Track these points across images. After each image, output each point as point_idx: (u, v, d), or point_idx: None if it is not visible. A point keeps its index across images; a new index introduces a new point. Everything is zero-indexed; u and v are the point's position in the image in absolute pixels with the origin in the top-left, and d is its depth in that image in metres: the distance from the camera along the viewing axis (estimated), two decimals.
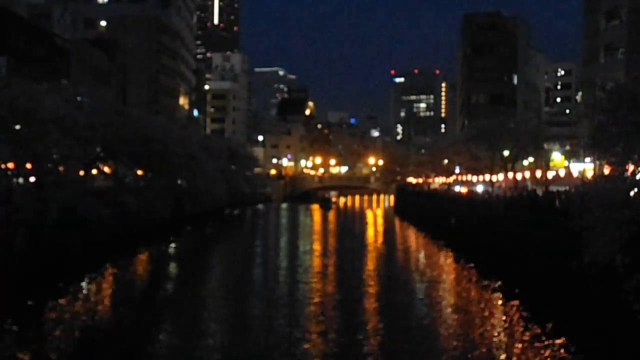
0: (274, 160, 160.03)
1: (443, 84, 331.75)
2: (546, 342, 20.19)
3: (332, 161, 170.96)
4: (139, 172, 44.46)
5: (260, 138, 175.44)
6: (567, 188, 39.54)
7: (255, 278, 35.00)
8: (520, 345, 20.31)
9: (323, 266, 37.32)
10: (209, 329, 22.66)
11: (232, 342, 20.89)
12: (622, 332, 18.40)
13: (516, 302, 25.97)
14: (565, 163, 66.70)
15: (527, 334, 21.53)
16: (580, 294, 21.77)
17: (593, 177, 26.31)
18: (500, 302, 27.11)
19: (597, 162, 30.24)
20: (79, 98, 42.90)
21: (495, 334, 21.95)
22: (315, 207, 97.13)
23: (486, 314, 25.16)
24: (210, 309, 26.15)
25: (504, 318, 24.50)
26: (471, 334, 21.45)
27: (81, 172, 35.09)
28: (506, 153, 55.03)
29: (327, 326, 22.11)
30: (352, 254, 43.53)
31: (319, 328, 21.81)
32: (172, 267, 39.13)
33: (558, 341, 20.06)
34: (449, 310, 25.57)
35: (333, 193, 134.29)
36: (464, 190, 65.64)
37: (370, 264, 38.38)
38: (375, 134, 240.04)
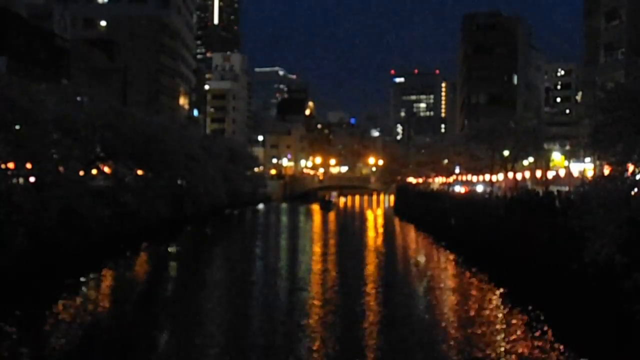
0: (274, 160, 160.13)
1: (443, 84, 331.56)
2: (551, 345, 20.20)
3: (332, 161, 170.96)
4: (139, 172, 44.43)
5: (260, 138, 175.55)
6: (567, 188, 39.57)
7: (253, 280, 34.86)
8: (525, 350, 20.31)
9: (323, 270, 36.90)
10: (204, 332, 22.59)
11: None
12: (621, 332, 18.41)
13: (518, 304, 25.99)
14: (565, 163, 66.72)
15: (532, 338, 21.53)
16: (581, 294, 21.78)
17: (593, 177, 26.33)
18: (503, 306, 26.96)
19: (597, 162, 30.26)
20: (79, 98, 42.87)
21: (506, 343, 21.69)
22: (315, 207, 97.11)
23: (491, 319, 25.06)
24: (207, 312, 26.06)
25: (507, 323, 24.47)
26: (478, 342, 21.20)
27: (81, 172, 35.05)
28: (506, 153, 55.04)
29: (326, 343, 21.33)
30: (352, 256, 43.30)
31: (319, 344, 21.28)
32: (172, 269, 39.07)
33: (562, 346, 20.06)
34: (453, 318, 24.88)
35: (334, 194, 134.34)
36: (463, 190, 65.64)
37: (370, 267, 38.25)
38: (375, 134, 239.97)
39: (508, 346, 20.31)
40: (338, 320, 23.55)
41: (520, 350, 19.75)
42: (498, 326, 23.17)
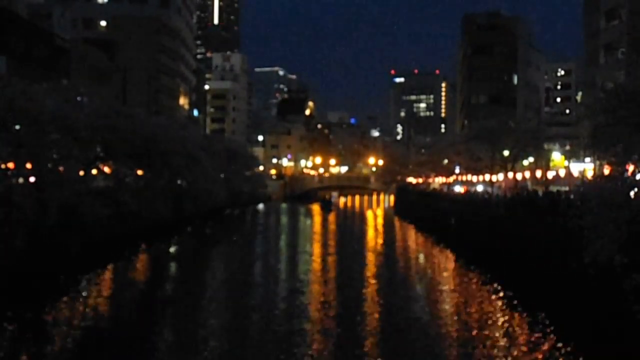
0: (274, 160, 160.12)
1: (443, 84, 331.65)
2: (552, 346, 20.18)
3: (332, 161, 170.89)
4: (139, 172, 44.43)
5: (260, 138, 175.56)
6: (567, 188, 39.55)
7: (253, 282, 34.77)
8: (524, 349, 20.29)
9: (322, 271, 36.77)
10: (202, 334, 22.58)
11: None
12: (621, 332, 18.39)
13: (518, 304, 25.97)
14: (565, 163, 66.69)
15: (533, 338, 21.52)
16: (581, 295, 21.76)
17: (593, 177, 26.31)
18: (504, 307, 26.93)
19: (597, 162, 30.26)
20: (79, 98, 42.84)
21: (509, 345, 21.66)
22: (316, 207, 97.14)
23: (492, 320, 25.04)
24: (206, 313, 26.06)
25: (509, 324, 24.43)
26: (484, 346, 21.11)
27: (81, 172, 35.04)
28: (506, 153, 55.07)
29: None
30: (352, 257, 43.20)
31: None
32: (172, 269, 39.02)
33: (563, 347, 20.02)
34: (454, 321, 24.51)
35: (334, 194, 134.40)
36: (462, 190, 65.63)
37: (370, 269, 38.14)
38: (375, 134, 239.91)
39: (512, 349, 20.30)
40: (337, 322, 23.51)
41: (523, 352, 19.76)
42: (500, 328, 23.12)
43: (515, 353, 19.51)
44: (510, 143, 54.33)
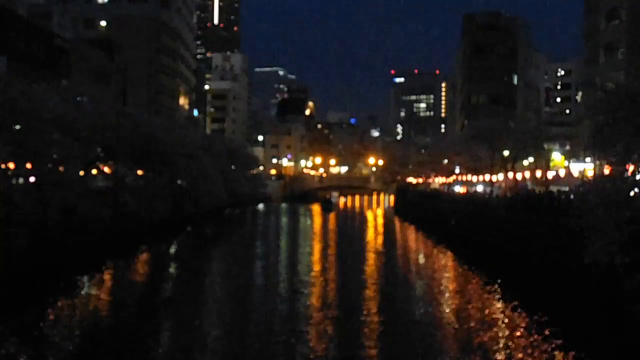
0: (274, 160, 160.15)
1: (443, 84, 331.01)
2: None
3: (332, 161, 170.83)
4: (139, 172, 44.43)
5: (260, 138, 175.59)
6: (567, 188, 39.57)
7: (253, 283, 34.75)
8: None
9: (322, 272, 36.59)
10: (200, 336, 22.58)
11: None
12: (622, 332, 18.40)
13: (520, 305, 25.99)
14: (565, 163, 66.74)
15: (533, 339, 21.53)
16: (581, 295, 21.77)
17: (593, 177, 26.32)
18: (505, 308, 26.96)
19: (597, 162, 30.26)
20: (79, 98, 42.86)
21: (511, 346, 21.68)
22: (315, 208, 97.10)
23: (493, 321, 25.03)
24: (205, 314, 26.05)
25: (510, 325, 24.42)
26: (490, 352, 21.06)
27: (81, 172, 35.06)
28: (506, 153, 55.10)
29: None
30: (352, 257, 43.05)
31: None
32: (171, 270, 38.92)
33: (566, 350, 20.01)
34: (456, 325, 24.11)
35: (335, 194, 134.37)
36: (462, 190, 65.66)
37: (370, 269, 38.07)
38: (375, 134, 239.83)
39: (513, 350, 20.30)
40: (337, 323, 23.50)
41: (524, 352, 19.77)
42: (501, 329, 23.11)
43: (515, 353, 19.51)
44: (510, 143, 54.35)
